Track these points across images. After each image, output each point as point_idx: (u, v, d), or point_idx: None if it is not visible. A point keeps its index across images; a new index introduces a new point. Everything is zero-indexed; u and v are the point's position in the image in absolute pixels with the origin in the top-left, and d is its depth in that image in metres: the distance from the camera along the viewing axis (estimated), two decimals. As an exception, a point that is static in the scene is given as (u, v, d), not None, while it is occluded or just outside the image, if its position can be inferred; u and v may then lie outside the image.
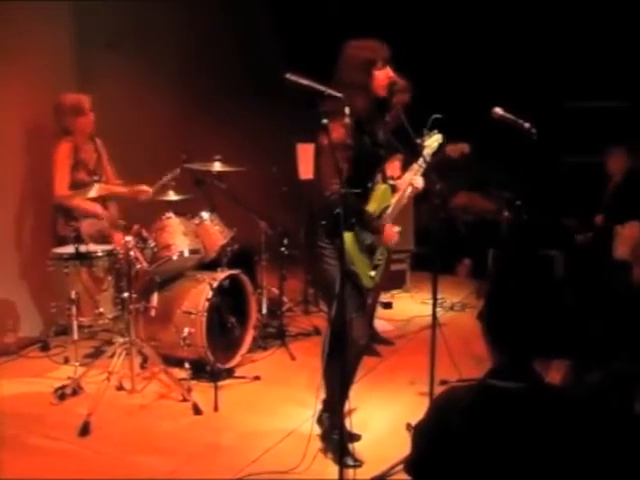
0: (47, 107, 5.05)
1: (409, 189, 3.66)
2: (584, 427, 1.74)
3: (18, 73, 5.02)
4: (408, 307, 6.38)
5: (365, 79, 3.36)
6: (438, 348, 3.61)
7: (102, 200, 5.00)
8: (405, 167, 3.86)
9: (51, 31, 5.25)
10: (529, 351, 1.83)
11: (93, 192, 4.49)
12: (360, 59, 3.37)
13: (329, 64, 3.40)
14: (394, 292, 6.75)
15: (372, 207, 3.50)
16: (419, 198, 4.02)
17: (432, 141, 3.80)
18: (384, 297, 6.27)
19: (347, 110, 3.13)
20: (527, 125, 3.85)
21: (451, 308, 6.33)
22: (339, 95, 3.06)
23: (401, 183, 3.68)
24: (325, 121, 2.96)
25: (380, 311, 5.89)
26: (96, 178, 4.89)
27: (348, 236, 3.34)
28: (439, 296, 4.31)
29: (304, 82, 2.96)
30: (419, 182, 3.68)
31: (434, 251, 3.72)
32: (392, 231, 3.54)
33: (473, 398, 1.82)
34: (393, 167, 4.03)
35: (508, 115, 3.89)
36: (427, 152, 3.75)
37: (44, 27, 5.18)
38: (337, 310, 3.21)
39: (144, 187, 4.83)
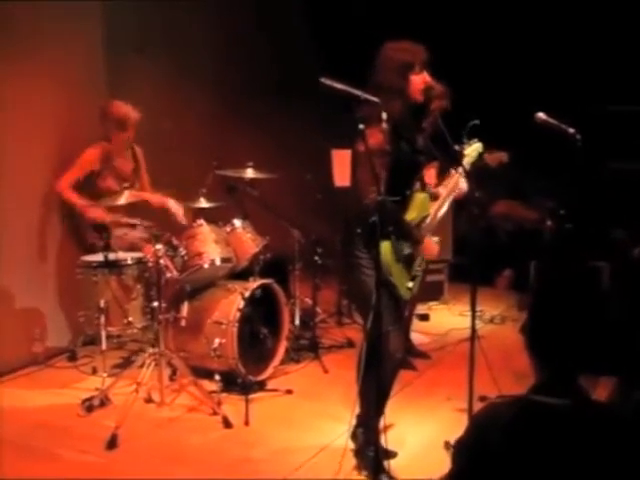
0: (77, 112, 5.12)
1: (449, 198, 3.65)
2: (631, 446, 1.71)
3: (49, 77, 5.07)
4: (446, 319, 6.35)
5: (401, 83, 3.35)
6: (477, 362, 3.59)
7: (130, 215, 5.06)
8: (441, 174, 3.85)
9: (81, 34, 5.30)
10: (574, 366, 1.81)
11: (123, 199, 4.54)
12: (397, 62, 3.36)
13: (367, 66, 3.40)
14: (431, 304, 6.71)
15: (411, 216, 3.49)
16: (458, 207, 4.02)
17: (472, 150, 3.79)
18: (421, 309, 6.24)
19: (384, 115, 3.12)
20: (572, 130, 3.81)
21: (491, 321, 6.27)
22: (376, 100, 3.07)
23: (440, 191, 3.67)
24: (362, 127, 2.97)
25: (417, 323, 5.86)
26: (126, 185, 4.95)
27: (385, 246, 3.33)
28: (478, 308, 4.28)
29: (339, 86, 2.97)
30: (464, 185, 3.67)
31: (473, 261, 3.70)
32: (432, 244, 3.53)
33: (515, 414, 1.80)
34: (429, 175, 4.03)
35: (551, 120, 3.86)
36: (467, 161, 3.74)
37: (75, 30, 5.23)
38: (373, 322, 3.20)
39: (175, 207, 4.90)
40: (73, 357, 5.12)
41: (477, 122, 3.73)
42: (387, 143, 3.27)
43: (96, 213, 4.90)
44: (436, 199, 3.64)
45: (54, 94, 5.11)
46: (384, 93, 3.19)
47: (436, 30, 5.88)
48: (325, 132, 5.74)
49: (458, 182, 3.65)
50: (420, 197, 3.55)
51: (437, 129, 3.44)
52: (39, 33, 4.98)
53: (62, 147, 5.18)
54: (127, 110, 5.02)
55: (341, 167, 5.68)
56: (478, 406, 3.27)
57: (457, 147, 3.66)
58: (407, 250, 3.48)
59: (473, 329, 3.59)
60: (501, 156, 5.15)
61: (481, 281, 4.24)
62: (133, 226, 5.14)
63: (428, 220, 3.57)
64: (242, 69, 6.75)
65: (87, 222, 4.98)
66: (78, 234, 5.14)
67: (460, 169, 3.62)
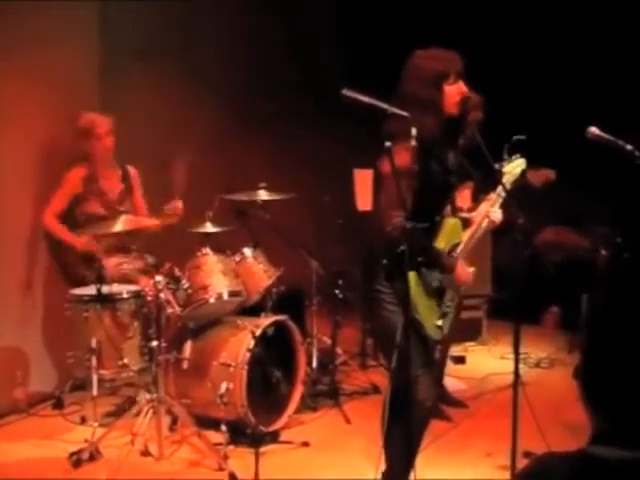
0: (65, 128, 5.17)
1: (484, 223, 3.64)
2: None
3: (33, 86, 5.13)
4: (484, 363, 6.32)
5: (434, 95, 3.36)
6: (521, 413, 3.55)
7: (124, 243, 5.10)
8: (477, 196, 3.84)
9: (72, 37, 5.36)
10: (637, 415, 1.79)
11: (119, 226, 4.57)
12: (429, 72, 3.37)
13: (392, 78, 3.41)
14: (468, 344, 6.68)
15: (440, 244, 3.48)
16: (498, 234, 4.00)
17: (514, 167, 3.76)
18: (456, 350, 6.21)
19: (414, 131, 3.12)
20: (629, 147, 3.78)
21: (537, 365, 6.23)
22: (404, 114, 3.07)
23: (474, 216, 3.65)
24: (388, 144, 2.97)
25: (451, 367, 5.83)
26: (122, 209, 4.98)
27: (411, 278, 3.32)
28: (522, 350, 4.24)
29: (363, 99, 2.98)
30: (497, 215, 3.65)
31: (516, 296, 3.68)
32: (466, 270, 3.52)
33: (570, 470, 1.77)
34: (462, 197, 4.02)
35: (606, 135, 3.84)
36: (508, 179, 3.72)
37: (64, 32, 5.29)
38: (399, 365, 3.18)
39: (176, 204, 4.88)
40: (59, 404, 5.11)
41: (522, 137, 3.70)
42: (414, 162, 3.26)
43: (87, 245, 4.96)
44: (469, 225, 3.62)
45: (34, 107, 5.15)
46: (414, 106, 3.19)
47: (468, 33, 5.91)
48: (347, 150, 5.78)
49: (493, 206, 3.63)
50: (451, 223, 3.54)
51: (473, 145, 3.44)
52: (21, 34, 5.02)
53: (43, 168, 5.23)
54: (93, 117, 5.11)
55: (364, 188, 5.69)
56: (522, 463, 3.23)
57: (497, 165, 3.65)
58: (436, 283, 3.46)
59: (516, 374, 3.56)
60: (547, 174, 5.13)
61: (525, 319, 4.22)
62: (129, 255, 5.16)
63: (459, 249, 3.56)
64: (255, 77, 6.81)
65: (77, 254, 5.01)
66: (67, 265, 5.17)
67: (499, 189, 3.60)
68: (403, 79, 3.42)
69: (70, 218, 5.11)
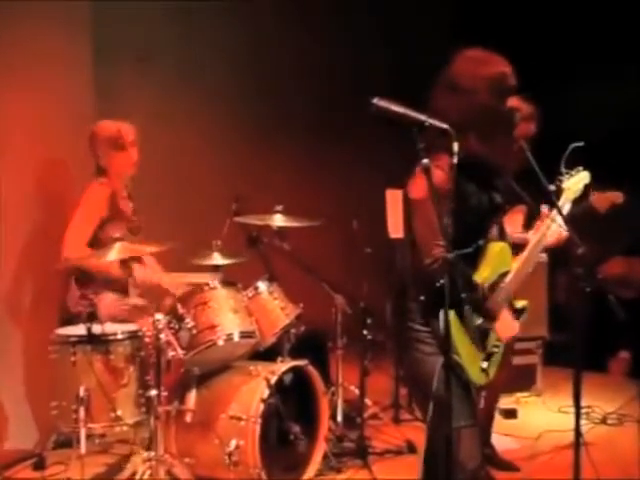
0: (60, 141, 5.24)
1: (538, 250, 3.63)
2: None
3: (24, 94, 5.24)
4: (540, 417, 6.30)
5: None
6: (584, 476, 3.54)
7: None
8: (530, 222, 3.84)
9: (67, 42, 5.48)
10: None
11: (113, 254, 4.60)
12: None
13: (424, 86, 3.45)
14: (520, 395, 6.67)
15: (484, 274, 3.45)
16: (555, 266, 4.01)
17: (576, 182, 3.76)
18: (505, 402, 6.20)
19: (455, 147, 3.14)
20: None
21: (603, 421, 6.20)
22: (445, 126, 3.10)
23: (526, 240, 3.66)
24: (426, 161, 3.00)
25: (500, 422, 5.81)
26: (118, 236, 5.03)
27: (451, 316, 3.32)
28: (584, 403, 4.24)
29: (396, 109, 3.01)
30: (556, 232, 3.67)
31: (576, 339, 3.68)
32: (510, 321, 3.50)
33: None
34: (514, 221, 4.02)
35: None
36: (568, 197, 3.72)
37: (58, 36, 5.42)
38: (437, 418, 3.19)
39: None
40: (41, 464, 5.11)
41: (580, 144, 3.70)
42: (451, 182, 3.27)
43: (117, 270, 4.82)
44: (521, 252, 3.62)
45: (24, 118, 5.25)
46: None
47: (518, 34, 5.96)
48: (378, 167, 5.81)
49: (549, 228, 3.63)
50: (497, 247, 3.52)
51: (523, 162, 3.46)
52: (11, 39, 5.15)
53: (35, 187, 5.29)
54: (117, 125, 5.15)
55: (398, 212, 5.71)
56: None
57: (553, 185, 3.65)
58: (479, 320, 3.45)
59: (577, 432, 3.56)
60: (614, 197, 5.10)
61: (588, 366, 4.20)
62: (124, 290, 5.20)
63: (508, 279, 3.51)
64: (272, 88, 6.88)
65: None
66: (54, 299, 5.19)
67: (554, 213, 3.60)
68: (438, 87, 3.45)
69: (92, 243, 5.04)
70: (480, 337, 3.49)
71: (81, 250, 4.97)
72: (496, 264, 3.51)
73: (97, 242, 5.04)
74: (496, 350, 3.56)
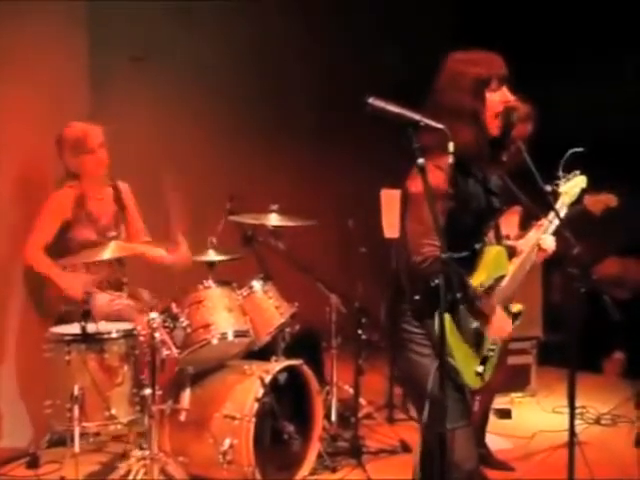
0: (49, 144, 5.23)
1: (534, 254, 3.64)
2: None
3: (18, 91, 5.23)
4: (534, 417, 6.31)
5: (475, 104, 3.39)
6: (577, 477, 3.55)
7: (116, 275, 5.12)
8: (526, 223, 3.84)
9: (63, 40, 5.47)
10: None
11: (107, 253, 4.60)
12: (468, 77, 3.41)
13: (422, 85, 3.45)
14: (514, 396, 6.67)
15: (480, 277, 3.45)
16: (550, 267, 4.01)
17: (572, 186, 3.76)
18: (500, 402, 6.20)
19: (451, 146, 3.14)
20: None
21: (597, 421, 6.21)
22: (440, 126, 3.10)
23: (522, 244, 3.66)
24: (422, 161, 3.00)
25: (494, 422, 5.81)
26: (113, 234, 5.02)
27: (446, 317, 3.31)
28: (578, 403, 4.25)
29: (392, 109, 3.01)
30: (549, 243, 3.66)
31: (570, 339, 3.68)
32: (503, 321, 3.48)
33: None
34: (509, 223, 4.02)
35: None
36: (565, 201, 3.72)
37: (54, 34, 5.40)
38: (432, 419, 3.20)
39: (181, 248, 4.91)
40: (34, 463, 5.11)
41: (580, 150, 3.70)
42: (448, 182, 3.27)
43: (76, 292, 4.90)
44: (516, 255, 3.62)
45: (14, 119, 5.24)
46: (451, 118, 3.22)
47: (514, 34, 5.97)
48: (372, 167, 5.82)
49: (544, 233, 3.63)
50: (494, 252, 3.52)
51: (520, 163, 3.46)
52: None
53: (23, 189, 5.28)
54: (83, 127, 5.13)
55: (393, 212, 5.71)
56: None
57: (549, 187, 3.66)
58: (475, 323, 3.44)
59: (571, 432, 3.57)
60: (607, 200, 5.10)
61: (582, 366, 4.21)
62: (120, 289, 5.19)
63: (504, 282, 3.52)
64: (270, 86, 6.89)
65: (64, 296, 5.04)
66: (47, 299, 5.19)
67: (551, 215, 3.61)
68: (437, 85, 3.45)
69: (60, 244, 5.07)
70: (475, 341, 3.47)
71: (36, 255, 5.02)
72: (493, 267, 3.51)
73: (64, 245, 5.08)
74: (492, 354, 3.54)
